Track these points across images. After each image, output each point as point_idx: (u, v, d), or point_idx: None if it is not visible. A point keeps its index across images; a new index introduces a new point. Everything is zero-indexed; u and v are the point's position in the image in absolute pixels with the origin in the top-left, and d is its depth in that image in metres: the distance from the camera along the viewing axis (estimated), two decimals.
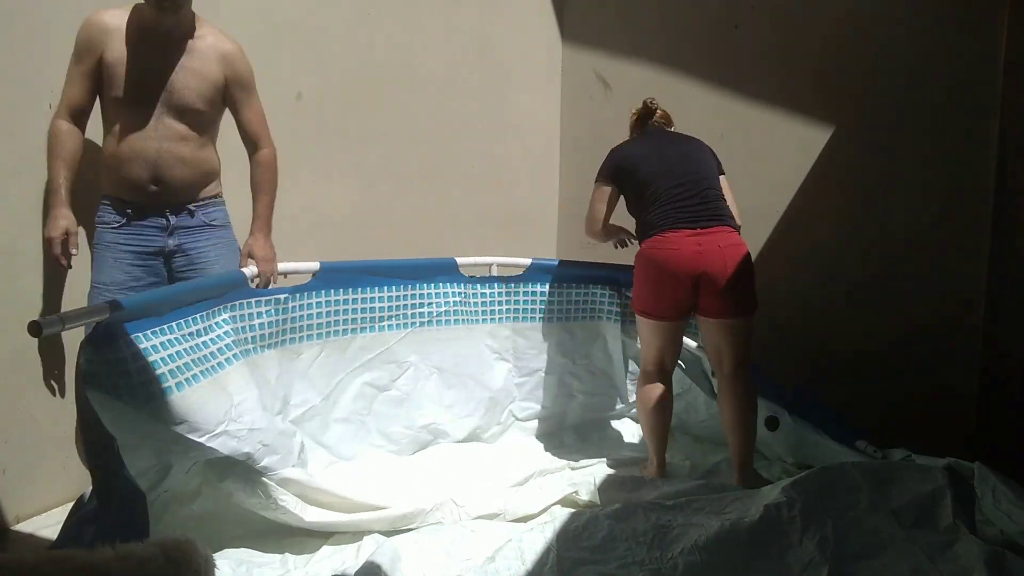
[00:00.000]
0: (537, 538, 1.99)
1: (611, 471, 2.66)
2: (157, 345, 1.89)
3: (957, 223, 3.16)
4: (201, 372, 1.98)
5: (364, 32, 3.20)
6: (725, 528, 1.99)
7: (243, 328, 2.29)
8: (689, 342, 3.03)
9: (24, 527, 2.27)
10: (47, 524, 2.24)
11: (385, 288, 2.72)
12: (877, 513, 2.13)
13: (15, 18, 2.20)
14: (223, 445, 1.94)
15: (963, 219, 3.17)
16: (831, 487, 2.21)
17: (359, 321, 2.67)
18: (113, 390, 1.76)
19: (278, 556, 2.05)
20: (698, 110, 3.65)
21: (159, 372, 1.85)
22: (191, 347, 1.99)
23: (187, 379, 1.92)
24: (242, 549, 2.06)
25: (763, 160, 3.50)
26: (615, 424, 3.20)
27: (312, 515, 2.10)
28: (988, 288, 3.17)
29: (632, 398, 3.19)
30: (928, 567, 1.92)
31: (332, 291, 2.60)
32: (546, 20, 3.90)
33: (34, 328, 1.52)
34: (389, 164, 3.31)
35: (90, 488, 1.67)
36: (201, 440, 1.89)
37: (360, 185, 3.24)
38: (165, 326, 1.94)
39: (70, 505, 1.79)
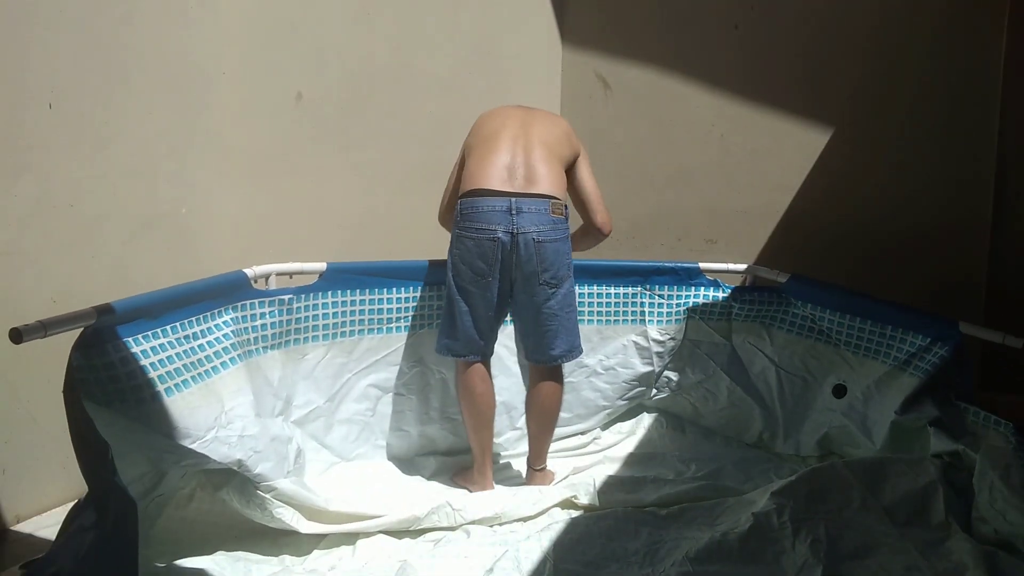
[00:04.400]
0: (534, 547, 2.02)
1: (611, 472, 2.65)
2: (148, 350, 1.84)
3: (957, 223, 3.17)
4: (192, 377, 1.95)
5: (364, 32, 3.20)
6: (715, 539, 2.00)
7: (245, 329, 2.26)
8: (712, 331, 3.04)
9: (24, 527, 2.27)
10: (47, 524, 2.23)
11: (394, 290, 2.68)
12: (870, 512, 2.15)
13: (15, 18, 2.20)
14: (214, 451, 1.90)
15: (963, 219, 3.17)
16: (822, 489, 2.22)
17: (366, 323, 2.64)
18: (102, 396, 1.73)
19: (274, 554, 2.06)
20: (698, 110, 3.66)
21: (149, 377, 1.81)
22: (185, 351, 1.96)
23: (177, 384, 1.88)
24: (238, 548, 2.05)
25: (763, 160, 3.50)
26: (620, 421, 3.17)
27: (308, 528, 2.10)
28: (988, 289, 3.17)
29: (653, 393, 3.17)
30: (922, 565, 1.93)
31: (339, 292, 2.57)
32: (546, 20, 3.90)
33: (15, 335, 1.49)
34: (389, 164, 3.31)
35: (85, 493, 1.66)
36: (192, 446, 1.86)
37: (360, 185, 3.24)
38: (159, 329, 1.90)
39: (70, 505, 1.78)
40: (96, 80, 2.39)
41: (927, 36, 3.21)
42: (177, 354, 1.93)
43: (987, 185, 3.17)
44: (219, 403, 1.99)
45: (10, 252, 2.24)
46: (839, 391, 2.79)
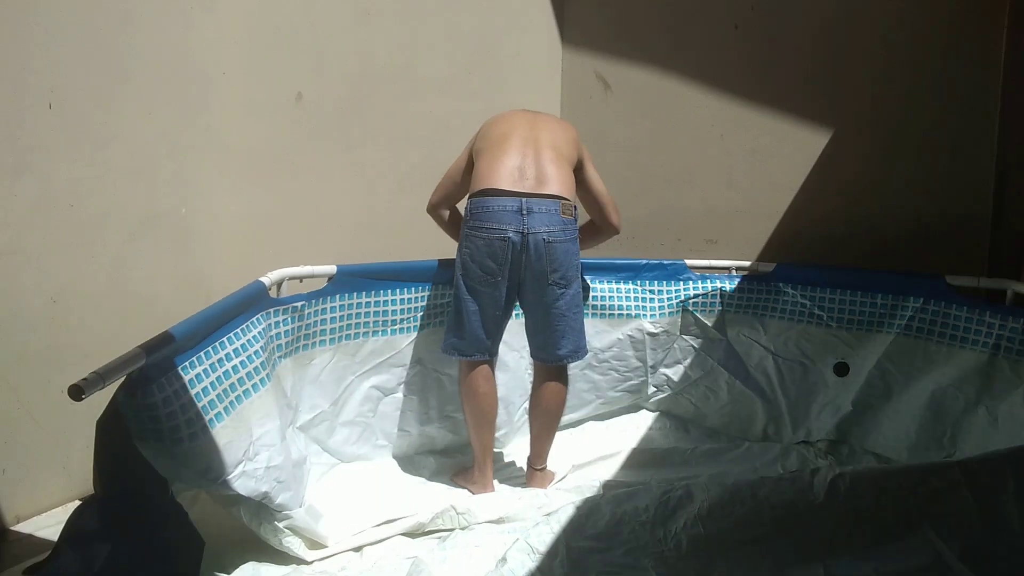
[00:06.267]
0: (544, 531, 1.95)
1: (613, 474, 2.64)
2: (187, 383, 1.80)
3: (957, 223, 3.17)
4: (226, 408, 1.91)
5: (364, 32, 3.20)
6: (728, 490, 1.92)
7: (268, 341, 2.22)
8: (707, 326, 3.12)
9: (24, 527, 2.26)
10: (47, 524, 2.23)
11: (400, 291, 2.68)
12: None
13: (15, 18, 2.20)
14: (242, 486, 1.88)
15: (963, 219, 3.17)
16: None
17: (371, 325, 2.63)
18: (140, 435, 1.70)
19: (283, 555, 2.05)
20: (698, 110, 3.66)
21: (188, 416, 1.77)
22: (219, 377, 1.91)
23: (211, 419, 1.84)
24: (245, 548, 2.05)
25: (763, 160, 3.50)
26: (627, 421, 3.17)
27: (313, 556, 2.09)
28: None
29: (651, 393, 3.18)
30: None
31: (347, 295, 2.55)
32: (546, 20, 3.90)
33: (75, 392, 1.44)
34: (389, 165, 3.31)
35: (83, 500, 1.64)
36: (221, 481, 1.84)
37: (361, 185, 3.24)
38: (195, 357, 1.85)
39: (70, 505, 1.78)
40: (96, 80, 2.39)
41: (927, 36, 3.21)
42: (212, 383, 1.88)
43: (987, 185, 3.17)
44: (248, 434, 1.95)
45: (10, 252, 2.24)
46: (840, 369, 2.86)
